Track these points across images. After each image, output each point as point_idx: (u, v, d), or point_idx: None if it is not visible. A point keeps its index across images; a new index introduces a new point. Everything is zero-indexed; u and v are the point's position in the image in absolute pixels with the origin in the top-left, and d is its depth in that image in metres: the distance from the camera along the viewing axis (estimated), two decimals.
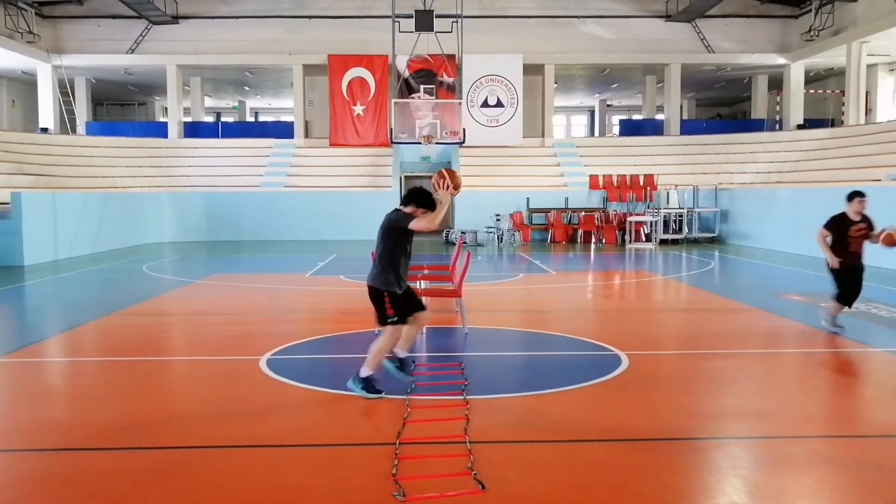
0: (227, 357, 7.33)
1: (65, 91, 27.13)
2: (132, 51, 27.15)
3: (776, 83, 29.34)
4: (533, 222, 23.55)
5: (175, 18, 26.91)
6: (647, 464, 4.43)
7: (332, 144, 26.70)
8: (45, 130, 26.71)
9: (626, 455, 4.59)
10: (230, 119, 39.11)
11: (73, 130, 27.94)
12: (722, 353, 7.39)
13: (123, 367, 7.01)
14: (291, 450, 4.70)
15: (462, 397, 5.66)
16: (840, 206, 8.01)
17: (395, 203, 24.30)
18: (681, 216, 22.28)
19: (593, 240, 22.29)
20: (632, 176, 24.26)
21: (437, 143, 23.51)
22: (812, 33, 25.53)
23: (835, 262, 7.85)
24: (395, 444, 4.64)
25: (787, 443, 4.84)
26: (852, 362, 7.23)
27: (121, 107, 37.28)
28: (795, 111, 27.58)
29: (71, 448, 4.74)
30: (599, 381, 6.21)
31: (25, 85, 29.51)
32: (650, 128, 30.37)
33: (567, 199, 23.85)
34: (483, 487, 3.98)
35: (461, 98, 24.80)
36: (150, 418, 5.32)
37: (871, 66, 25.89)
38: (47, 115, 26.96)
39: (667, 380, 6.49)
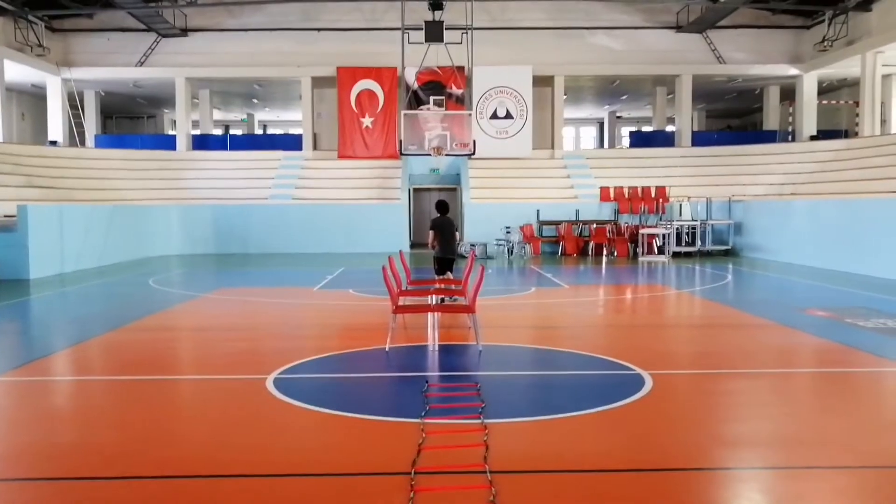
0: (234, 376, 7.07)
1: (74, 104, 27.11)
2: (141, 64, 27.12)
3: (788, 94, 29.03)
4: (543, 235, 23.28)
5: (184, 31, 26.89)
6: (678, 496, 4.14)
7: (341, 157, 26.55)
8: (54, 143, 26.67)
9: (657, 486, 4.30)
10: (239, 132, 39.09)
11: (82, 143, 27.89)
12: (752, 373, 7.07)
13: (127, 387, 6.76)
14: (299, 480, 4.42)
15: (479, 421, 5.37)
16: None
17: (404, 215, 23.79)
18: (694, 228, 21.95)
19: (605, 252, 21.99)
20: (643, 188, 23.97)
21: (446, 155, 23.25)
22: (825, 44, 25.24)
23: None
24: (410, 473, 4.36)
25: (825, 473, 4.53)
26: (892, 382, 6.90)
27: (130, 120, 37.32)
28: (808, 122, 27.27)
29: (71, 477, 4.48)
30: (624, 403, 5.91)
31: (35, 98, 29.53)
32: (661, 139, 30.10)
33: (578, 211, 23.58)
34: None
35: (471, 110, 24.59)
36: (154, 444, 5.06)
37: (885, 77, 25.58)
38: (56, 128, 26.93)
39: (694, 402, 6.20)
